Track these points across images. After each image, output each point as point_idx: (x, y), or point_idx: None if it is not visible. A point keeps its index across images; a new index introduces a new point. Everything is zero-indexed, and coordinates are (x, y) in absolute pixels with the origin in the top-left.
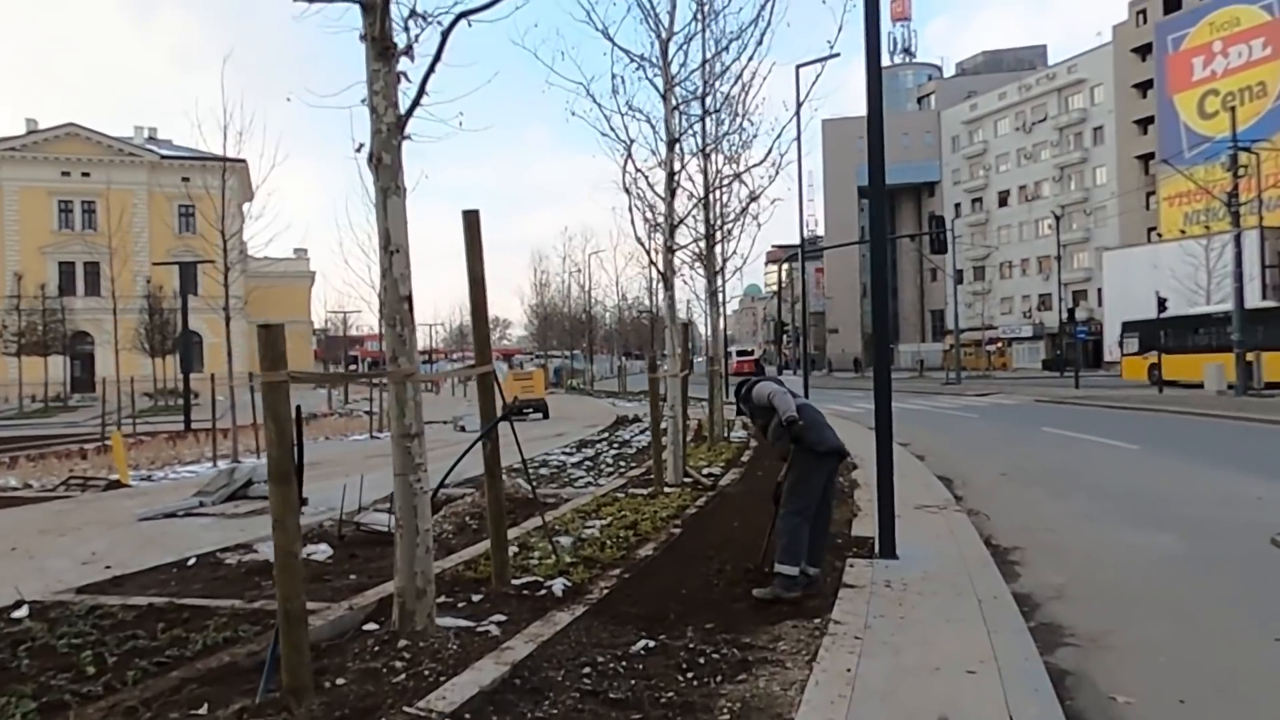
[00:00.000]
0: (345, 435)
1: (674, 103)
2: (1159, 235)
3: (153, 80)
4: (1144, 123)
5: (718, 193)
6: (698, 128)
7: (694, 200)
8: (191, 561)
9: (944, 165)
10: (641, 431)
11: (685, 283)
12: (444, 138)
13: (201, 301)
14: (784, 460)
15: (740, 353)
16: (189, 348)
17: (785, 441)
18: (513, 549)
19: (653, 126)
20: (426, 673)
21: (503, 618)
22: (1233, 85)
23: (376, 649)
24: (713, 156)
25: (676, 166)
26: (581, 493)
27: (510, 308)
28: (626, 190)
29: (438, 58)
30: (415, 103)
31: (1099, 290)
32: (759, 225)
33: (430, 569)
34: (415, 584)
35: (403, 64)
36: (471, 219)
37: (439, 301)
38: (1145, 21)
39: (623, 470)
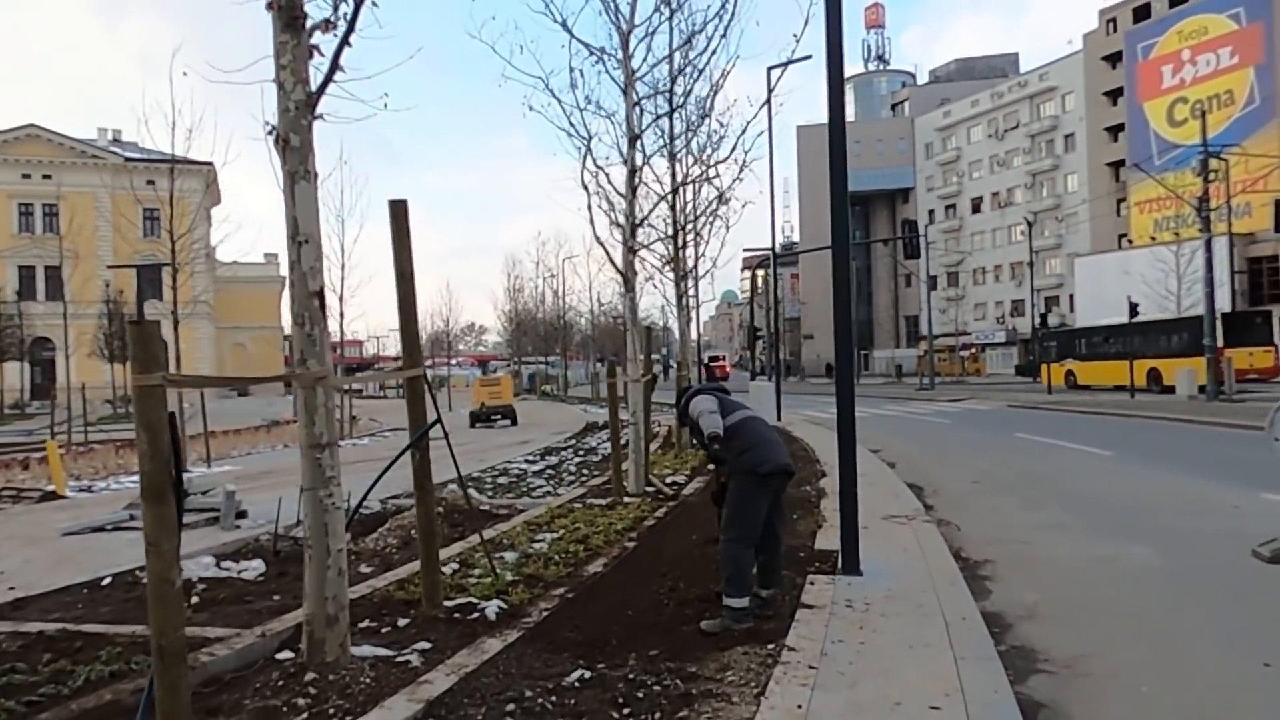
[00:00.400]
0: None
1: (635, 98)
2: (1130, 242)
3: (122, 83)
4: (1115, 130)
5: (684, 191)
6: (663, 124)
7: (658, 199)
8: (106, 581)
9: (918, 172)
10: (610, 438)
11: (655, 286)
12: (364, 119)
13: (166, 306)
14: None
15: (712, 358)
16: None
17: (730, 461)
18: (453, 566)
19: (613, 122)
20: (332, 711)
21: (427, 645)
22: (1201, 93)
23: (281, 683)
24: (680, 156)
25: (638, 163)
26: (538, 503)
27: (486, 314)
28: (585, 187)
29: (351, 29)
30: (327, 79)
31: (1071, 296)
32: (727, 227)
33: (344, 593)
34: (326, 610)
35: (316, 37)
36: (398, 210)
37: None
38: (1115, 30)
39: (584, 479)
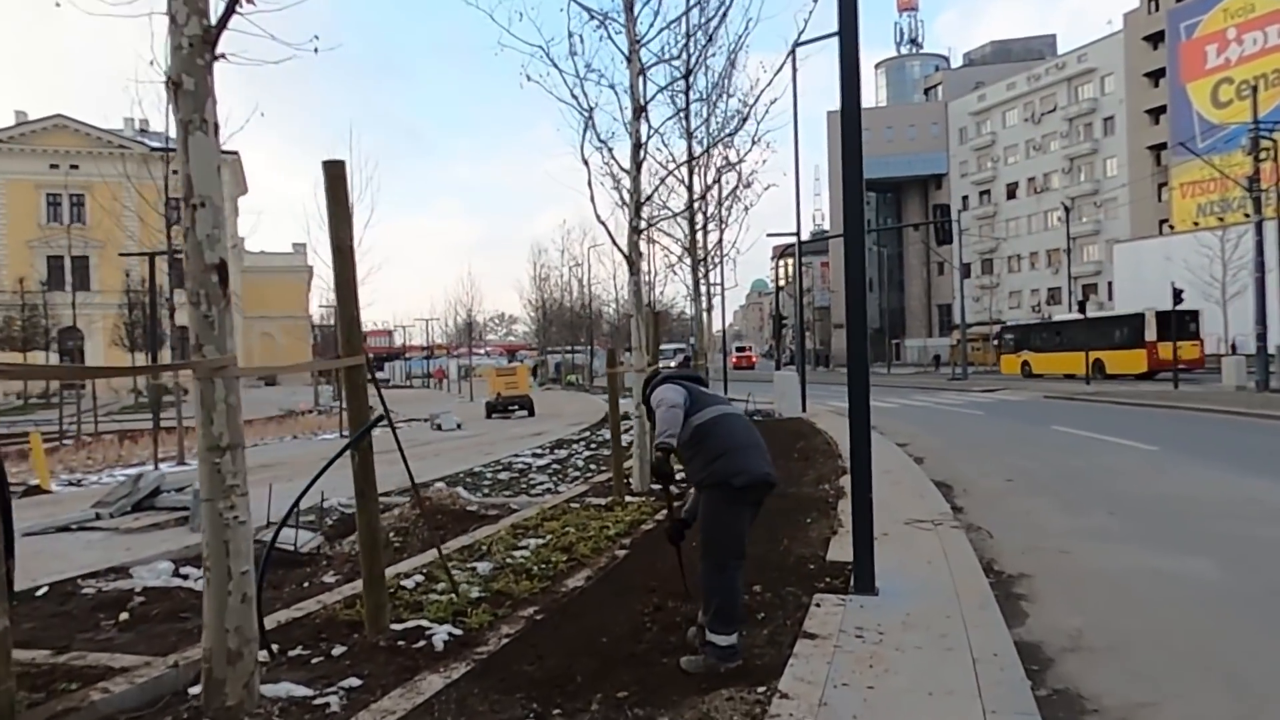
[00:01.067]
0: (316, 434)
1: (640, 65)
2: (1171, 227)
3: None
4: (1155, 112)
5: (703, 171)
6: (678, 98)
7: (665, 173)
8: (42, 591)
9: (951, 157)
10: (626, 430)
11: (675, 274)
12: (283, 61)
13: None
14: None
15: (739, 349)
16: (156, 341)
17: (699, 469)
18: (417, 579)
19: (616, 92)
20: None
21: (356, 682)
22: (1248, 73)
23: None
24: (698, 134)
25: (643, 136)
26: (534, 502)
27: (515, 303)
28: (585, 162)
29: None
30: (229, 10)
31: (1109, 284)
32: (746, 209)
33: (251, 623)
34: (227, 644)
35: None
36: (334, 171)
37: (436, 296)
38: (1157, 9)
39: (590, 475)
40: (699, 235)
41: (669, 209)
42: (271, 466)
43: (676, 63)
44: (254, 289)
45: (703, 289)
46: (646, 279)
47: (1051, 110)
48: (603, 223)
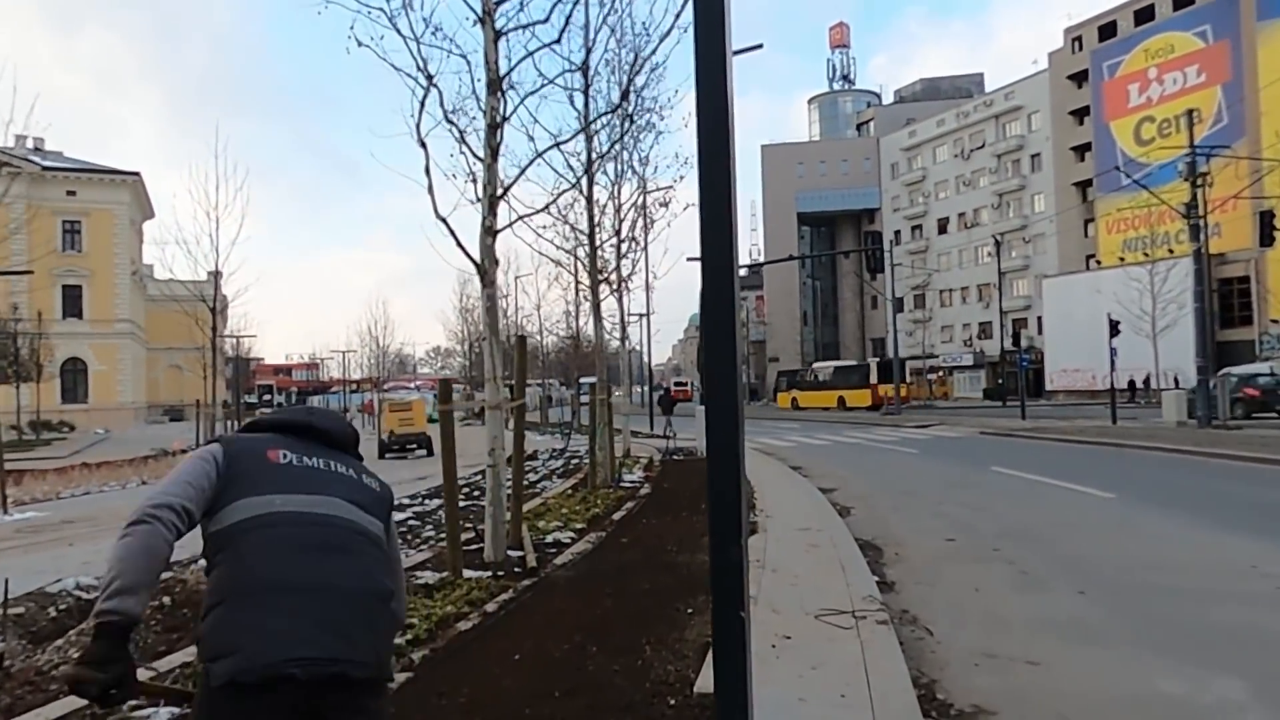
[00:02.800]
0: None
1: (494, 30)
2: (1098, 262)
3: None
4: (1081, 149)
5: (615, 187)
6: (577, 99)
7: (529, 161)
8: None
9: (884, 192)
10: (525, 472)
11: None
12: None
13: (88, 325)
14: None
15: (678, 383)
16: None
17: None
18: None
19: (469, 62)
20: None
21: None
22: (1168, 112)
23: None
24: (594, 137)
25: (499, 116)
26: None
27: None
28: (423, 145)
29: None
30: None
31: (1039, 318)
32: (668, 224)
33: None
34: None
35: None
36: None
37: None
38: (1081, 49)
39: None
40: (610, 255)
41: (569, 224)
42: (74, 523)
43: (545, 26)
44: (163, 319)
45: (606, 315)
46: (568, 308)
47: (980, 147)
48: (443, 219)
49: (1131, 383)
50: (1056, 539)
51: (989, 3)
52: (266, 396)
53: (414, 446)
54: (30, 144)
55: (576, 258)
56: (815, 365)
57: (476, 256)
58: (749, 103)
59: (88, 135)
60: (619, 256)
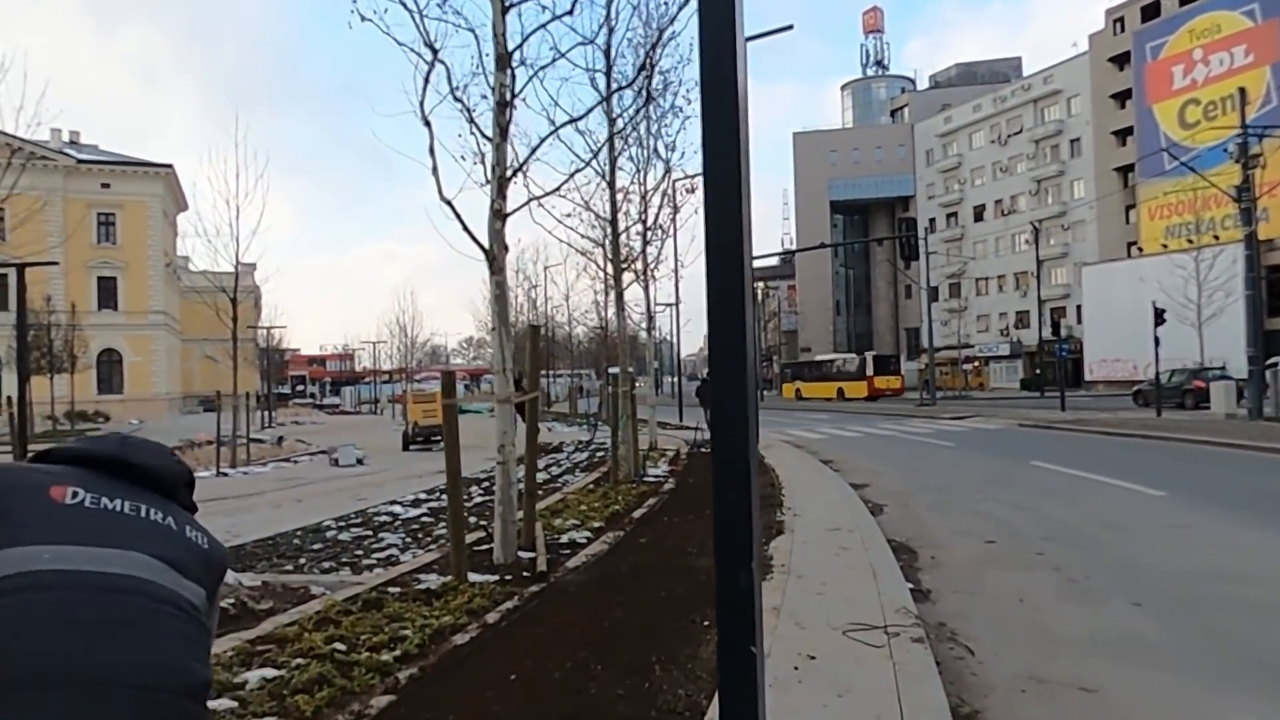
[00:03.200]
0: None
1: (504, 3)
2: (1139, 250)
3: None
4: (1122, 134)
5: (641, 174)
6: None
7: (543, 138)
8: None
9: (918, 179)
10: (547, 465)
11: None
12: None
13: (122, 316)
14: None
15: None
16: (26, 360)
17: None
18: None
19: (477, 36)
20: None
21: None
22: (1215, 94)
23: None
24: (629, 123)
25: (509, 94)
26: (350, 583)
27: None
28: (427, 123)
29: None
30: None
31: (1078, 307)
32: (695, 211)
33: None
34: None
35: None
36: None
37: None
38: (1123, 30)
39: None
40: (635, 242)
41: (592, 211)
42: None
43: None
44: (196, 310)
45: (632, 304)
46: (596, 297)
47: (1018, 132)
48: (448, 202)
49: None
50: (1106, 542)
51: None
52: (300, 387)
53: (438, 439)
54: (65, 137)
55: (601, 245)
56: (818, 358)
57: (485, 241)
58: (782, 91)
59: (127, 130)
60: (644, 244)
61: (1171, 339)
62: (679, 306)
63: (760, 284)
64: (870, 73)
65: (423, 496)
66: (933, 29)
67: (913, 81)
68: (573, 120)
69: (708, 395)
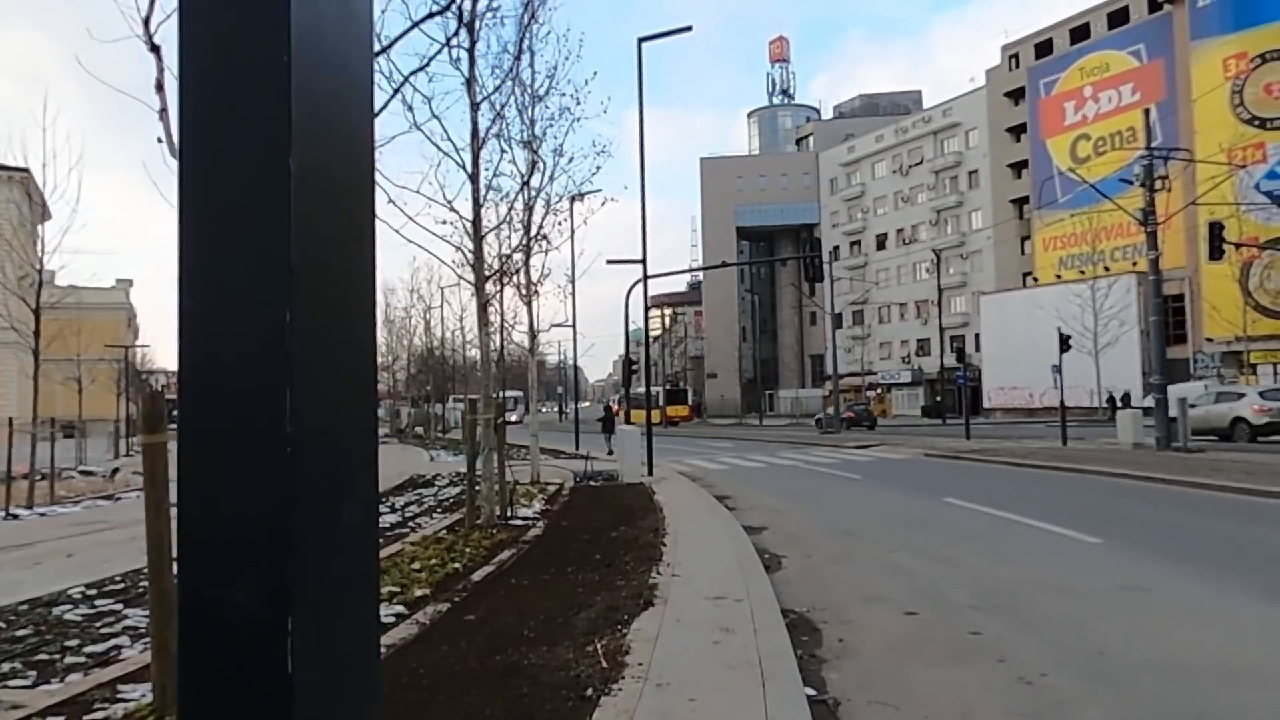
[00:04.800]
0: None
1: None
2: (1035, 279)
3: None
4: (1018, 166)
5: (510, 163)
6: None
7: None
8: None
9: (823, 207)
10: (409, 503)
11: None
12: None
13: None
14: None
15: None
16: None
17: None
18: None
19: None
20: None
21: None
22: (1104, 130)
23: None
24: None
25: None
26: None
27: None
28: (154, 48)
29: None
30: None
31: (976, 335)
32: (584, 222)
33: None
34: None
35: None
36: None
37: None
38: (1018, 66)
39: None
40: (502, 248)
41: (405, 187)
42: None
43: None
44: (61, 328)
45: (488, 312)
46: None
47: (919, 163)
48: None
49: (1112, 399)
50: (1052, 613)
51: (929, 24)
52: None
53: None
54: None
55: (461, 250)
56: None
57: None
58: (694, 120)
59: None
60: (527, 256)
61: (1069, 367)
62: (575, 326)
63: (668, 309)
64: (776, 101)
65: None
66: (838, 63)
67: (818, 111)
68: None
69: (609, 422)
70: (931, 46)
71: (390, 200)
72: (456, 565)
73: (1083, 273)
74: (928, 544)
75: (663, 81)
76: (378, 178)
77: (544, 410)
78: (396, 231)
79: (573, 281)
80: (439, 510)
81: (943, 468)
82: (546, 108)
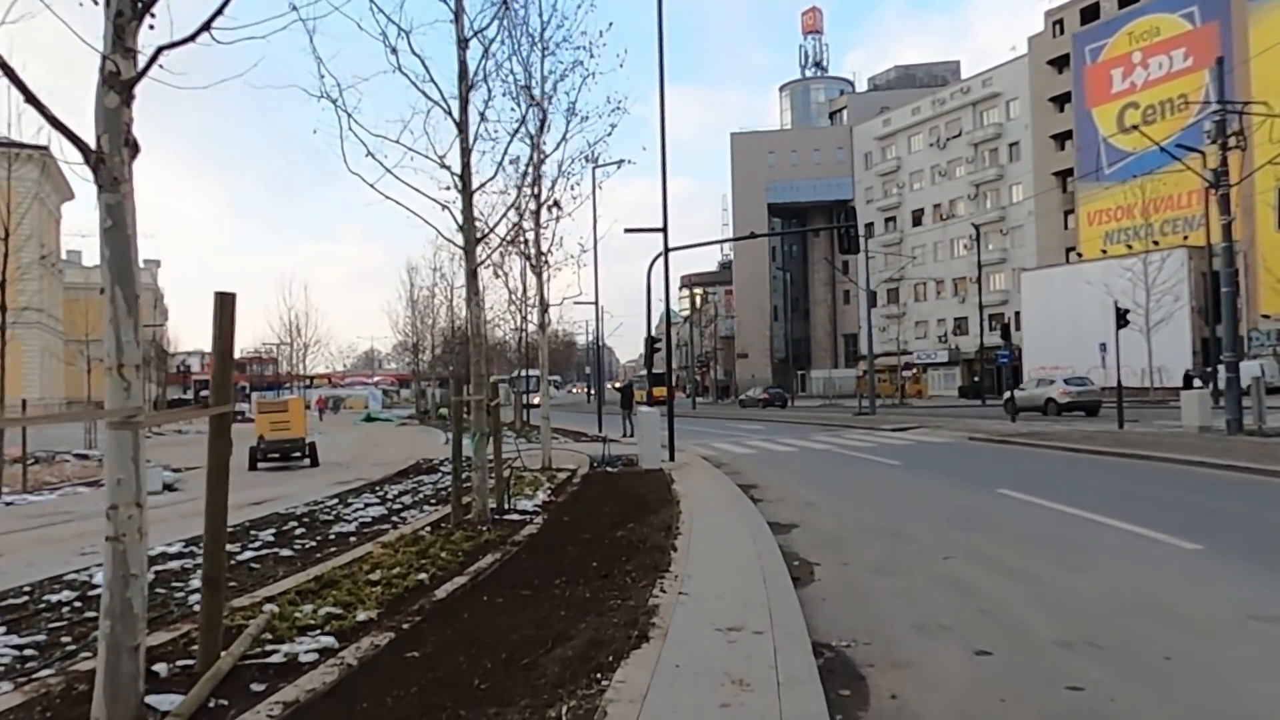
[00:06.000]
0: None
1: None
2: (1079, 255)
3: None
4: (1061, 138)
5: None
6: None
7: None
8: None
9: (857, 183)
10: (402, 493)
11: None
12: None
13: None
14: None
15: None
16: None
17: None
18: None
19: None
20: None
21: None
22: (1153, 98)
23: None
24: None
25: None
26: None
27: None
28: None
29: None
30: None
31: (1016, 313)
32: (599, 186)
33: None
34: None
35: None
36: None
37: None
38: (1062, 32)
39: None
40: (508, 215)
41: (383, 137)
42: None
43: None
44: (83, 309)
45: (479, 279)
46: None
47: (957, 135)
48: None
49: (1189, 376)
50: (1174, 654)
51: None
52: (206, 393)
53: (299, 455)
54: None
55: (449, 209)
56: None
57: (94, 136)
58: (725, 99)
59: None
60: (537, 224)
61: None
62: (599, 301)
63: (698, 289)
64: (809, 74)
65: (182, 547)
66: (873, 39)
67: (851, 84)
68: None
69: (629, 400)
70: (970, 18)
71: (369, 153)
72: (423, 576)
73: (1129, 247)
74: (987, 548)
75: (691, 59)
76: (355, 128)
77: (573, 391)
78: (372, 186)
79: (594, 252)
80: (433, 501)
81: (990, 453)
82: (559, 62)
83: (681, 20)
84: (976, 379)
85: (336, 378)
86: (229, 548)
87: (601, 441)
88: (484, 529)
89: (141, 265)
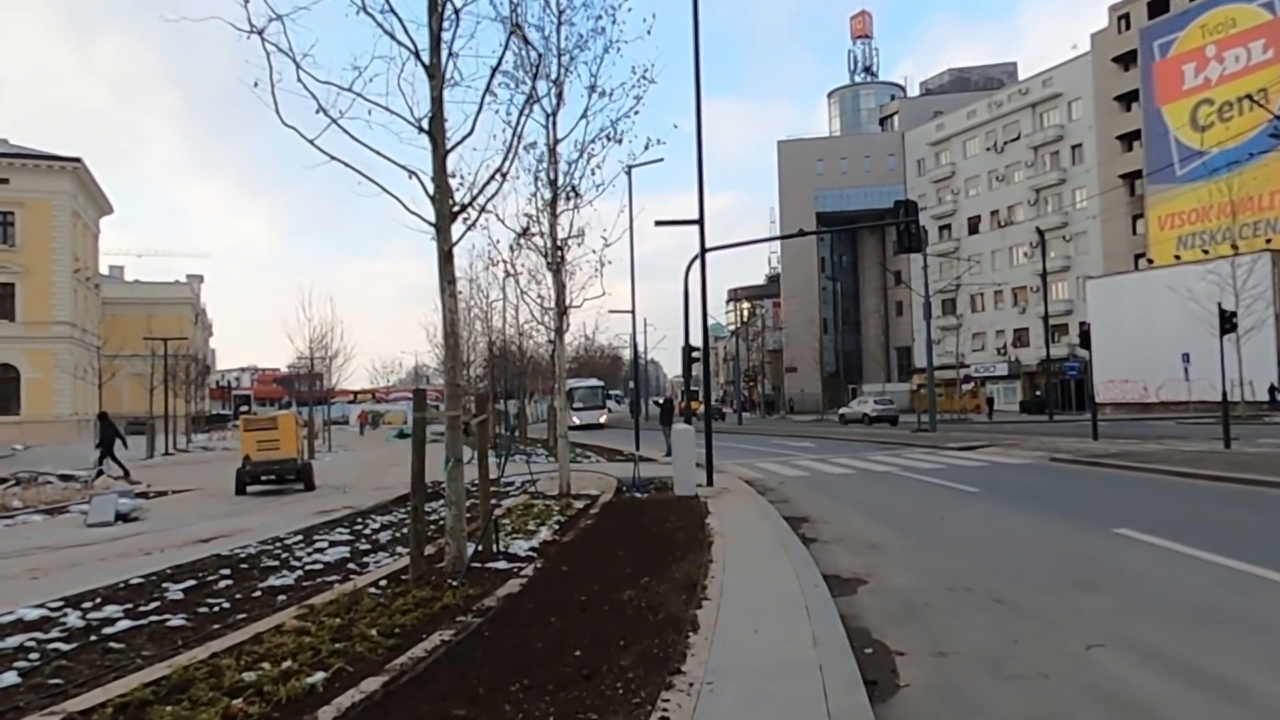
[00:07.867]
0: None
1: None
2: (1149, 261)
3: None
4: (1128, 138)
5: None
6: None
7: None
8: None
9: (909, 190)
10: (383, 528)
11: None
12: None
13: (21, 328)
14: None
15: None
16: None
17: None
18: None
19: None
20: None
21: None
22: (1230, 93)
23: None
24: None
25: None
26: None
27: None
28: None
29: None
30: None
31: (1080, 323)
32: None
33: None
34: None
35: None
36: None
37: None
38: (1128, 28)
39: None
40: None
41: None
42: None
43: None
44: (123, 323)
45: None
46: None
47: (1015, 139)
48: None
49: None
50: None
51: (1020, 4)
52: (244, 408)
53: (292, 477)
54: None
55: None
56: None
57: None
58: (771, 112)
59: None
60: (553, 214)
61: (1194, 358)
62: (635, 310)
63: (745, 303)
64: (858, 79)
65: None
66: (924, 47)
67: (903, 88)
68: None
69: (668, 415)
70: (1023, 23)
71: (320, 109)
72: (318, 677)
73: (1206, 251)
74: (1142, 628)
75: (736, 72)
76: (304, 77)
77: (621, 405)
78: (312, 143)
79: (630, 256)
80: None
81: (1082, 478)
82: (574, 29)
83: (724, 34)
84: (1039, 393)
85: (382, 393)
86: (107, 611)
87: (633, 461)
88: (453, 584)
89: (183, 279)
